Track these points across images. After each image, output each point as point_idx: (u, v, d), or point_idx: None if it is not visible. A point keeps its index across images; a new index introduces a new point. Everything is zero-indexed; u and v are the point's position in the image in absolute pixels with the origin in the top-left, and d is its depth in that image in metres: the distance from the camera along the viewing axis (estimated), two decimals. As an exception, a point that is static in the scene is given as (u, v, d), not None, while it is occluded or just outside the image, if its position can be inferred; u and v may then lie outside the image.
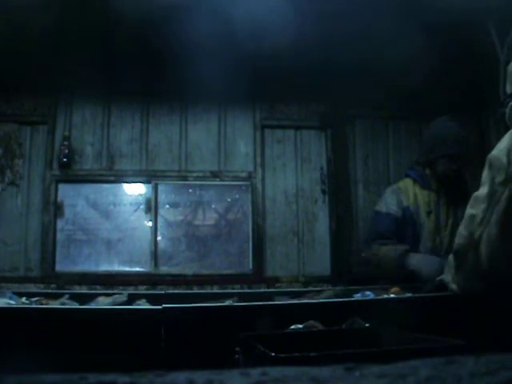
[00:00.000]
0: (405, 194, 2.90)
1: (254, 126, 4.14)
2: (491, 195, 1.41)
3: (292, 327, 1.55)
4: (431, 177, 2.89)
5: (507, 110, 1.47)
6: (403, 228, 2.86)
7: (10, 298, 1.95)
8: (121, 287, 3.51)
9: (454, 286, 1.73)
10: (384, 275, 2.75)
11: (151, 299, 2.04)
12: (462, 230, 1.58)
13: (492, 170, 1.42)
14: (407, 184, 2.95)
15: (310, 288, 3.56)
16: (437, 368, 0.49)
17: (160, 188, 3.99)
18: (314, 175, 4.15)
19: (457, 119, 2.92)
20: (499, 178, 1.38)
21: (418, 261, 2.61)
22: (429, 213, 2.83)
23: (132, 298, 2.05)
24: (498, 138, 1.56)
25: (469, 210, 1.54)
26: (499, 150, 1.44)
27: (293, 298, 2.15)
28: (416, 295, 2.08)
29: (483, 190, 1.47)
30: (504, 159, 1.37)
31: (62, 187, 3.88)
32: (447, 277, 1.78)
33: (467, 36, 3.10)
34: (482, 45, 3.19)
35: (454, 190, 2.86)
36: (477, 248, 1.47)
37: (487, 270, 1.46)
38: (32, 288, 3.52)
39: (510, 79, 1.52)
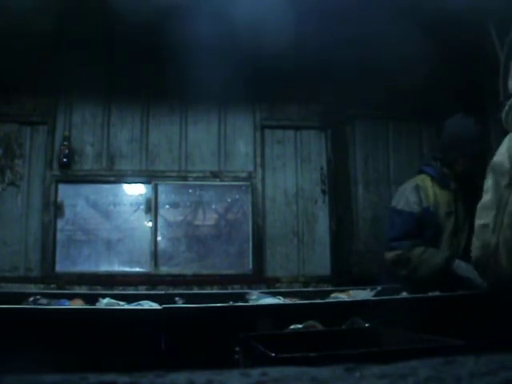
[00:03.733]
0: (425, 193, 2.79)
1: (254, 127, 4.14)
2: (499, 200, 1.41)
3: (292, 327, 1.55)
4: (449, 176, 2.80)
5: (503, 115, 1.48)
6: (423, 229, 2.75)
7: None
8: (121, 287, 3.52)
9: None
10: (418, 278, 2.63)
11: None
12: (475, 241, 1.58)
13: (496, 176, 1.43)
14: (425, 181, 2.83)
15: (310, 288, 3.56)
16: (437, 368, 0.49)
17: (160, 188, 3.99)
18: (314, 175, 4.15)
19: (473, 116, 2.85)
20: (504, 182, 1.39)
21: (468, 270, 2.51)
22: (449, 214, 2.72)
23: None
24: (498, 139, 1.56)
25: (478, 221, 1.54)
26: (500, 154, 1.44)
27: None
28: (415, 295, 2.08)
29: (488, 198, 1.48)
30: (506, 163, 1.38)
31: (62, 187, 3.88)
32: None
33: (467, 36, 3.10)
34: (481, 45, 3.19)
35: (470, 191, 2.78)
36: (496, 255, 1.47)
37: (509, 272, 1.46)
38: (32, 288, 3.52)
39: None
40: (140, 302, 1.91)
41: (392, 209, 2.87)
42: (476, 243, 1.57)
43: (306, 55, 3.48)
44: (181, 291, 2.56)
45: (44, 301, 1.99)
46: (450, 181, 2.78)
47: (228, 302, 1.94)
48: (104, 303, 1.92)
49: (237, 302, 1.99)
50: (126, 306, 1.93)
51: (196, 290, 3.62)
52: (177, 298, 2.06)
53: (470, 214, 2.73)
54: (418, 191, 2.78)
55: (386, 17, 2.93)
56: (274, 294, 2.21)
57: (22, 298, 2.03)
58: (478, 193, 2.79)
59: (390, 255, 2.71)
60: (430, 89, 3.62)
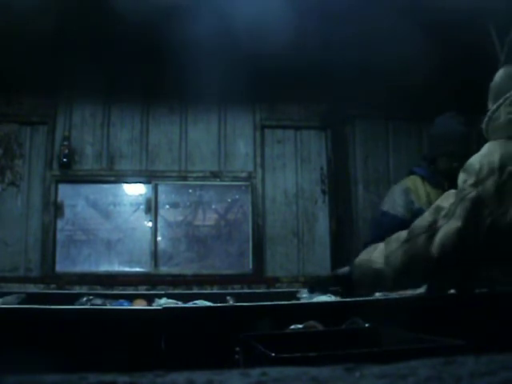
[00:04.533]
0: (415, 194, 2.78)
1: (254, 126, 4.14)
2: (460, 192, 1.52)
3: (292, 327, 1.55)
4: (439, 174, 2.81)
5: (483, 125, 1.57)
6: None
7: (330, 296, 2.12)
8: (121, 287, 3.52)
9: (379, 265, 1.74)
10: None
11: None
12: (426, 215, 1.66)
13: (465, 174, 1.53)
14: (416, 182, 2.84)
15: (195, 291, 3.55)
16: (437, 368, 0.49)
17: (160, 188, 3.99)
18: (313, 175, 4.15)
19: (461, 116, 2.86)
20: (470, 181, 1.50)
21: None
22: None
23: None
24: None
25: (437, 202, 1.64)
26: (475, 157, 1.56)
27: None
28: (416, 295, 2.08)
29: (453, 191, 1.58)
30: (477, 166, 1.49)
31: (62, 187, 3.88)
32: (372, 256, 1.80)
33: (467, 36, 3.10)
34: (481, 45, 3.19)
35: None
36: (432, 236, 1.55)
37: (436, 259, 1.53)
38: (32, 288, 3.53)
39: (490, 95, 1.58)
40: (196, 302, 1.99)
41: (379, 210, 2.89)
42: (426, 216, 1.64)
43: (305, 55, 3.48)
44: (232, 291, 2.60)
45: (98, 301, 2.01)
46: (443, 179, 2.78)
47: (276, 301, 1.97)
48: (161, 303, 1.96)
49: (289, 300, 2.05)
50: (127, 307, 1.93)
51: (196, 290, 3.62)
52: (228, 297, 2.11)
53: None
54: (407, 194, 2.77)
55: (386, 17, 2.93)
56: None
57: (74, 298, 2.05)
58: None
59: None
60: (430, 89, 3.63)
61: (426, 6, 2.91)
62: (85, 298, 2.04)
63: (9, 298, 2.06)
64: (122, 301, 2.07)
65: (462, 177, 1.56)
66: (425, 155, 2.97)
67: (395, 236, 1.76)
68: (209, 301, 1.99)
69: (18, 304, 2.00)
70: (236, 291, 2.76)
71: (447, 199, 1.58)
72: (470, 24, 2.96)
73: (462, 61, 3.42)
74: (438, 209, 1.59)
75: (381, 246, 1.79)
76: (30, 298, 2.11)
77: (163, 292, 2.60)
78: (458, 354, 0.54)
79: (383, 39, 2.97)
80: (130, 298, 2.14)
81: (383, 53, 3.08)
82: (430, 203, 2.73)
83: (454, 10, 2.65)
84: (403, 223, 2.74)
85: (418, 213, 2.73)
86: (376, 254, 1.75)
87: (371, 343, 1.31)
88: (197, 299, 2.02)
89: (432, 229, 1.55)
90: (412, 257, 1.62)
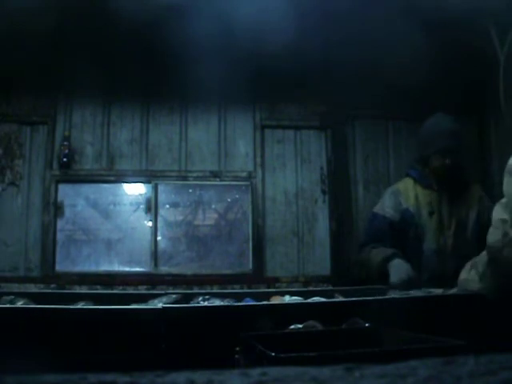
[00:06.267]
0: (404, 195, 2.83)
1: (253, 126, 4.14)
2: None
3: (292, 327, 1.55)
4: (431, 176, 2.85)
5: None
6: (403, 230, 2.79)
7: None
8: (121, 287, 3.52)
9: (477, 286, 1.74)
10: (368, 278, 2.72)
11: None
12: (493, 230, 1.63)
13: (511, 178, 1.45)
14: (407, 184, 2.89)
15: (311, 288, 3.56)
16: (437, 368, 0.49)
17: (160, 188, 3.99)
18: (314, 175, 4.15)
19: (449, 115, 2.90)
20: None
21: (393, 266, 2.54)
22: (431, 213, 2.77)
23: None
24: (498, 139, 1.58)
25: (498, 216, 1.58)
26: None
27: None
28: (416, 295, 2.08)
29: (505, 199, 1.52)
30: None
31: (62, 187, 3.88)
32: (469, 276, 1.80)
33: (467, 36, 3.10)
34: (482, 45, 3.19)
35: (455, 189, 2.83)
36: (510, 247, 1.52)
37: None
38: (32, 288, 3.52)
39: None
40: (313, 298, 2.04)
41: (371, 212, 2.96)
42: (494, 231, 1.60)
43: (306, 55, 3.48)
44: (332, 288, 2.67)
45: (216, 300, 2.00)
46: (433, 181, 2.81)
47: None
48: (287, 300, 2.05)
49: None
50: (127, 306, 1.93)
51: (196, 290, 3.62)
52: (336, 294, 2.17)
53: (456, 213, 2.78)
54: (396, 196, 2.84)
55: (386, 17, 2.93)
56: None
57: (189, 298, 2.07)
58: (461, 191, 2.82)
59: (355, 257, 2.83)
60: (430, 89, 3.63)
61: (427, 6, 2.91)
62: (200, 298, 2.03)
63: (164, 299, 2.04)
64: (248, 299, 2.08)
65: (508, 181, 1.49)
66: (417, 157, 3.00)
67: (478, 259, 1.76)
68: (322, 297, 2.07)
69: None
70: (338, 288, 2.77)
71: (505, 210, 1.53)
72: (470, 24, 2.97)
73: (462, 61, 3.42)
74: (503, 221, 1.55)
75: (472, 270, 1.78)
76: (184, 298, 2.09)
77: (285, 290, 2.66)
78: (458, 353, 0.54)
79: (383, 39, 2.97)
80: (257, 296, 2.14)
81: (383, 53, 3.09)
82: (417, 204, 2.78)
83: (453, 10, 2.65)
84: (392, 224, 2.79)
85: (404, 213, 2.78)
86: (470, 277, 1.76)
87: (371, 343, 1.31)
88: (313, 296, 2.09)
89: (508, 240, 1.53)
90: (502, 270, 1.60)
